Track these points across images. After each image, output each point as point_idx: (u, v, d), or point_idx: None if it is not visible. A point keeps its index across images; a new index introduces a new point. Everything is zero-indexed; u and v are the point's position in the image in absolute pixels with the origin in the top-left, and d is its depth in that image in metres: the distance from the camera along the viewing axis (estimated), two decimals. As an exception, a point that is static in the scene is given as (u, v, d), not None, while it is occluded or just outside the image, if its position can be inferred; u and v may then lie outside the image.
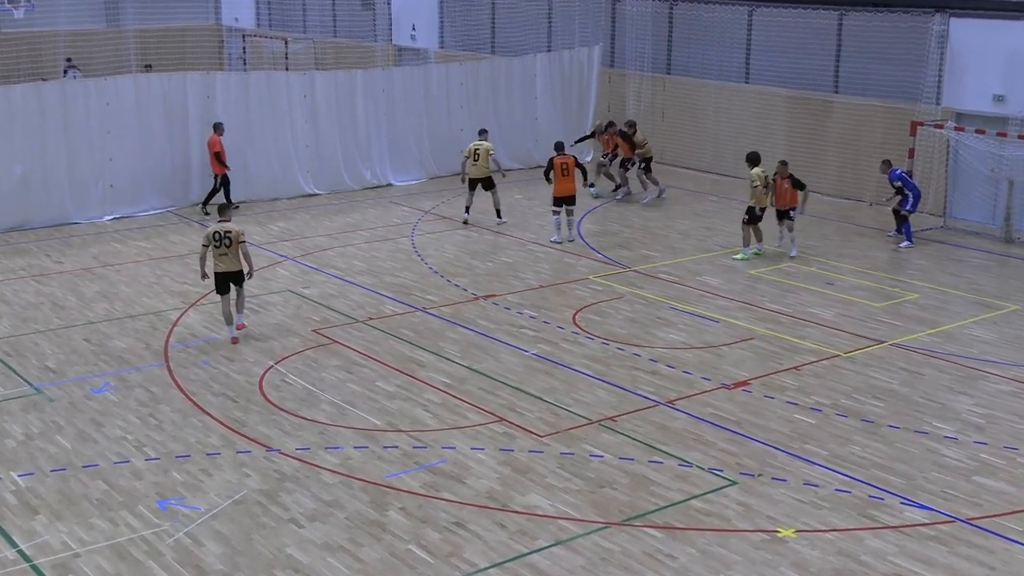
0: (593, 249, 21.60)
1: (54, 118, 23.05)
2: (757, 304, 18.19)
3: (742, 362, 15.64)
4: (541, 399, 14.30)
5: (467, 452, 12.75)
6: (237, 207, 24.91)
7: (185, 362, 15.58)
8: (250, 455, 12.68)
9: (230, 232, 16.36)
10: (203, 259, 16.30)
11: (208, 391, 14.54)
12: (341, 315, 17.61)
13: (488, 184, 23.69)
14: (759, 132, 27.33)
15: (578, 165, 22.00)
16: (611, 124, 26.32)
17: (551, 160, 22.06)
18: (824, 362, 15.65)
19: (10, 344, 16.28)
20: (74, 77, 32.15)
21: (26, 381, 14.87)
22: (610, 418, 13.71)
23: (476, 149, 23.80)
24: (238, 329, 16.53)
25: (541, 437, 13.16)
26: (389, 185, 27.42)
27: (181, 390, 14.58)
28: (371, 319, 17.43)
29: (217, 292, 16.40)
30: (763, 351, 16.08)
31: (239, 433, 13.26)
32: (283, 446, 12.91)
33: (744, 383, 14.84)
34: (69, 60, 34.39)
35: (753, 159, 20.88)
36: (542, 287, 19.17)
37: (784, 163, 21.09)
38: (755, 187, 20.45)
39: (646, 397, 14.37)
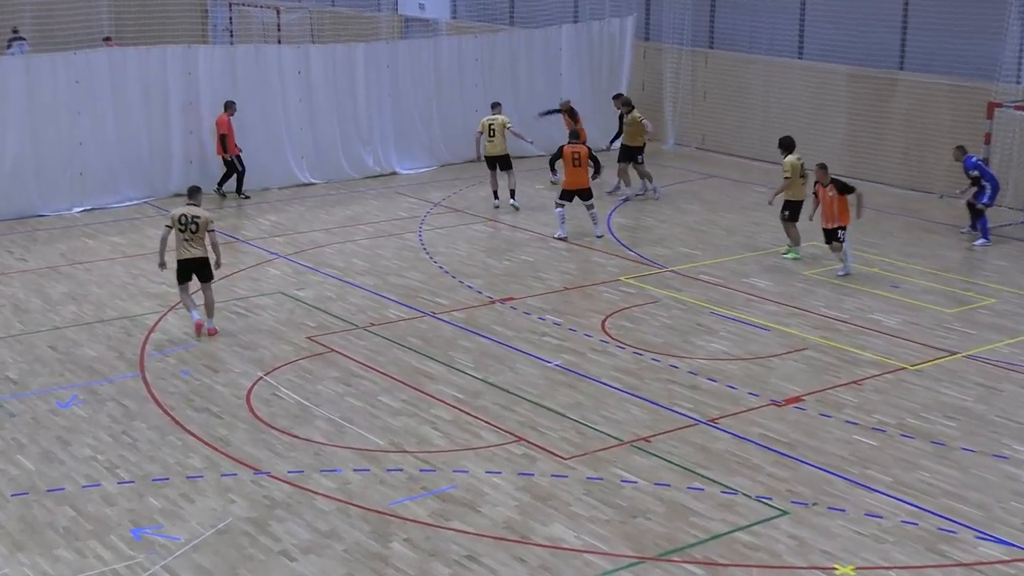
0: (625, 246, 21.57)
1: (15, 97, 23.15)
2: (812, 310, 18.13)
3: (794, 375, 15.58)
4: (565, 416, 14.28)
5: (481, 476, 12.74)
6: (247, 197, 25.05)
7: (163, 373, 15.62)
8: (236, 479, 12.70)
9: (198, 217, 16.74)
10: (163, 243, 16.86)
11: (189, 406, 14.57)
12: (339, 320, 17.63)
13: (505, 163, 24.09)
14: (814, 114, 27.26)
15: (592, 156, 21.93)
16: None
17: (560, 149, 22.05)
18: (888, 376, 15.59)
19: (-34, 352, 16.37)
20: (21, 51, 32.22)
21: (-16, 394, 14.95)
22: (644, 438, 13.68)
23: (491, 124, 24.04)
24: (210, 334, 16.80)
25: (565, 460, 13.14)
26: (394, 173, 27.45)
27: (158, 404, 14.61)
28: (373, 325, 17.44)
29: (178, 280, 16.85)
30: (818, 363, 16.02)
31: (224, 453, 13.28)
32: (273, 468, 12.92)
33: (796, 399, 14.79)
34: (15, 31, 34.35)
35: (787, 145, 20.80)
36: (567, 289, 19.15)
37: (824, 167, 19.72)
38: (787, 178, 20.38)
39: (685, 415, 14.34)
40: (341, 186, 26.38)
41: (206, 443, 13.53)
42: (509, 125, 24.22)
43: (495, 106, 25.03)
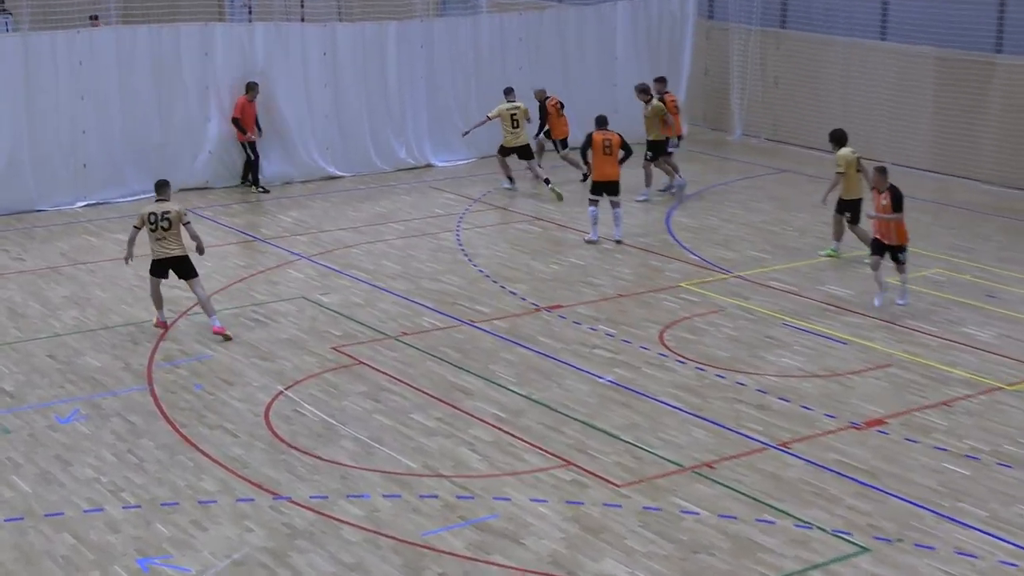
0: (685, 248, 21.50)
1: (11, 80, 23.36)
2: (896, 321, 18.01)
3: (876, 395, 15.48)
4: (619, 438, 14.23)
5: (525, 504, 12.71)
6: (266, 191, 25.20)
7: (173, 386, 15.68)
8: (253, 504, 12.73)
9: (169, 213, 17.07)
10: (131, 242, 17.28)
11: (202, 423, 14.62)
12: (368, 329, 17.66)
13: (526, 152, 24.85)
14: (898, 102, 27.10)
15: (623, 145, 21.87)
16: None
17: (590, 137, 21.89)
18: (982, 396, 15.46)
19: (-43, 361, 16.52)
20: (5, 29, 32.47)
21: (-24, 407, 15.07)
22: (707, 464, 13.61)
23: (513, 113, 24.61)
24: (217, 332, 17.12)
25: (619, 487, 13.09)
26: (429, 166, 27.51)
27: (168, 421, 14.66)
28: (405, 335, 17.46)
29: (154, 275, 17.28)
30: (903, 381, 15.91)
31: (240, 476, 13.31)
32: (294, 493, 12.94)
33: (879, 422, 14.69)
34: (1, 3, 34.63)
35: (838, 138, 20.63)
36: (621, 296, 19.10)
37: (883, 172, 18.46)
38: (840, 173, 20.22)
39: (753, 438, 14.26)
40: (370, 180, 26.45)
41: (220, 464, 13.56)
42: (527, 115, 25.10)
43: (510, 92, 25.47)
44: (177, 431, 14.36)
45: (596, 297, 19.06)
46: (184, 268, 17.21)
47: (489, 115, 25.36)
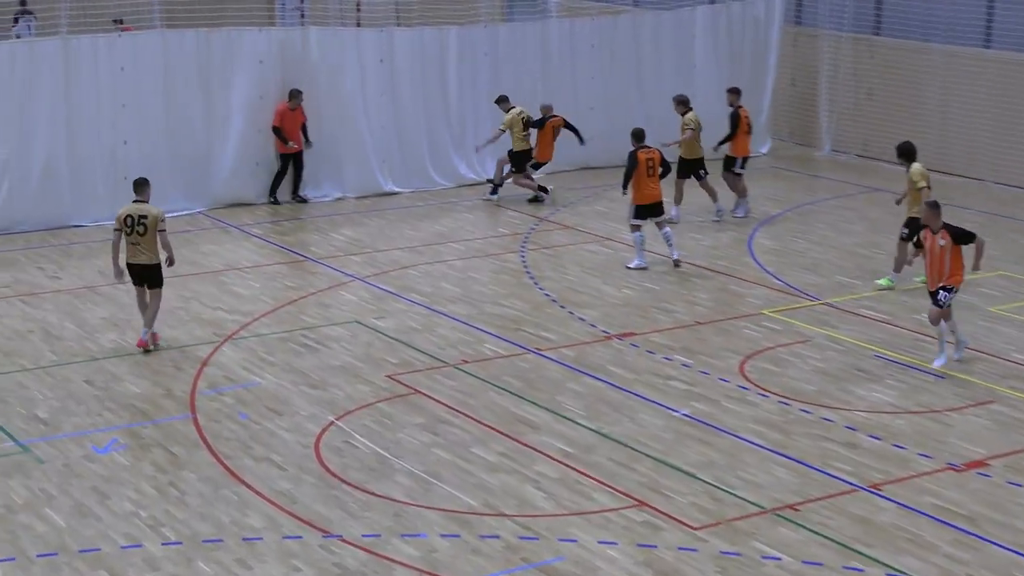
0: (769, 273, 21.46)
1: (49, 87, 23.67)
2: (999, 354, 17.88)
3: (977, 434, 15.37)
4: (695, 477, 14.22)
5: (593, 547, 12.73)
6: (305, 200, 25.47)
7: (218, 414, 15.83)
8: (301, 542, 12.82)
9: (145, 217, 17.40)
10: (115, 248, 17.70)
11: (247, 454, 14.74)
12: (425, 356, 17.75)
13: (528, 157, 25.96)
14: (1003, 115, 26.93)
15: (663, 162, 21.93)
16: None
17: (634, 155, 21.64)
18: (1093, 437, 15.34)
19: (-11, 385, 16.76)
20: (28, 30, 32.90)
21: (8, 435, 15.24)
22: (790, 506, 13.57)
23: (523, 116, 25.66)
24: (153, 342, 17.65)
25: (695, 529, 13.08)
26: (491, 182, 27.60)
27: (212, 452, 14.80)
28: (465, 362, 17.53)
29: (134, 283, 17.71)
30: (1007, 420, 15.79)
31: (287, 512, 13.41)
32: (346, 531, 13.02)
33: (980, 463, 14.58)
34: (23, 3, 34.98)
35: (908, 152, 20.43)
36: (698, 324, 19.09)
37: (935, 208, 17.28)
38: (920, 188, 20.07)
39: (841, 479, 14.20)
40: (429, 196, 26.58)
41: (267, 499, 13.66)
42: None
43: (507, 99, 26.07)
44: (221, 463, 14.49)
45: (671, 324, 19.05)
46: (151, 277, 17.61)
47: (501, 127, 25.70)
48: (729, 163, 24.72)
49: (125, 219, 17.44)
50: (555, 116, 26.15)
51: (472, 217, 25.09)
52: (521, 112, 25.74)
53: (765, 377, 17.05)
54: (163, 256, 17.59)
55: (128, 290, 20.33)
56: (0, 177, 23.42)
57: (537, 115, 25.96)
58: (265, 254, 22.32)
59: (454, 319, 19.21)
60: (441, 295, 20.32)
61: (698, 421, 15.68)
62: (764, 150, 30.52)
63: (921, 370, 17.19)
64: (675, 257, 21.64)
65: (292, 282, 20.96)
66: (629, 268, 21.52)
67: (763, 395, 16.46)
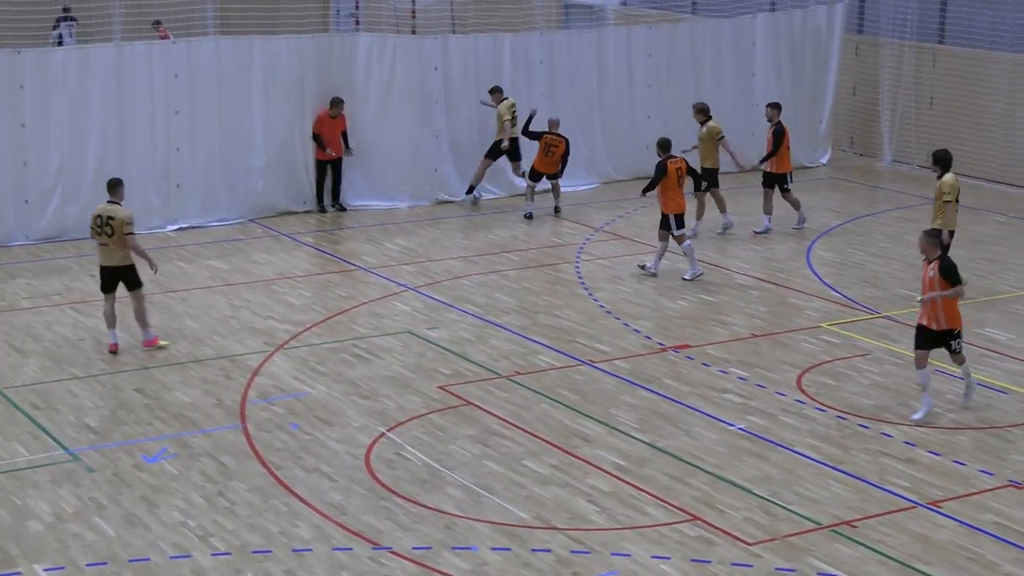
0: (827, 285, 21.38)
1: (101, 93, 23.86)
2: (1062, 369, 17.78)
3: (1039, 451, 15.29)
4: (750, 492, 14.19)
5: (646, 562, 12.72)
6: (344, 209, 25.62)
7: (268, 424, 15.92)
8: (351, 554, 12.87)
9: (113, 218, 17.54)
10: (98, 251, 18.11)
11: (298, 465, 14.82)
12: (478, 367, 17.79)
13: (497, 152, 26.30)
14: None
15: (691, 171, 21.90)
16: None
17: (664, 165, 21.53)
18: None
19: (38, 393, 16.88)
20: (69, 36, 33.11)
21: (59, 443, 15.38)
22: (848, 523, 13.52)
23: (512, 107, 25.66)
24: (150, 345, 17.98)
25: (750, 545, 13.05)
26: (545, 191, 27.61)
27: (262, 462, 14.89)
28: (518, 374, 17.56)
29: (101, 290, 17.89)
30: (1070, 436, 15.70)
31: (337, 523, 13.47)
32: (396, 543, 13.06)
33: (1042, 481, 14.51)
34: (66, 10, 35.24)
35: (944, 161, 20.18)
36: (755, 336, 19.05)
37: (933, 237, 16.19)
38: (947, 202, 19.90)
39: (900, 495, 14.13)
40: (483, 206, 26.62)
41: (316, 510, 13.73)
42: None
43: (499, 90, 26.21)
44: (271, 473, 14.58)
45: (728, 337, 19.02)
46: (127, 278, 17.80)
47: (504, 117, 25.88)
48: (777, 180, 24.34)
49: (95, 219, 17.63)
50: (553, 135, 25.50)
51: (526, 227, 25.11)
52: (512, 105, 25.85)
53: (823, 391, 16.99)
54: (137, 261, 17.82)
55: (180, 298, 20.57)
56: (53, 183, 23.62)
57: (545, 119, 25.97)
58: (317, 263, 22.44)
59: (508, 330, 19.24)
60: (495, 306, 20.36)
61: (754, 435, 15.64)
62: (823, 160, 30.43)
63: (983, 385, 17.08)
64: (698, 274, 21.52)
65: (344, 291, 21.05)
66: (685, 279, 21.45)
67: (820, 409, 16.41)
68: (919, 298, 16.12)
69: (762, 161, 24.65)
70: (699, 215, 24.14)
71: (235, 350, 18.37)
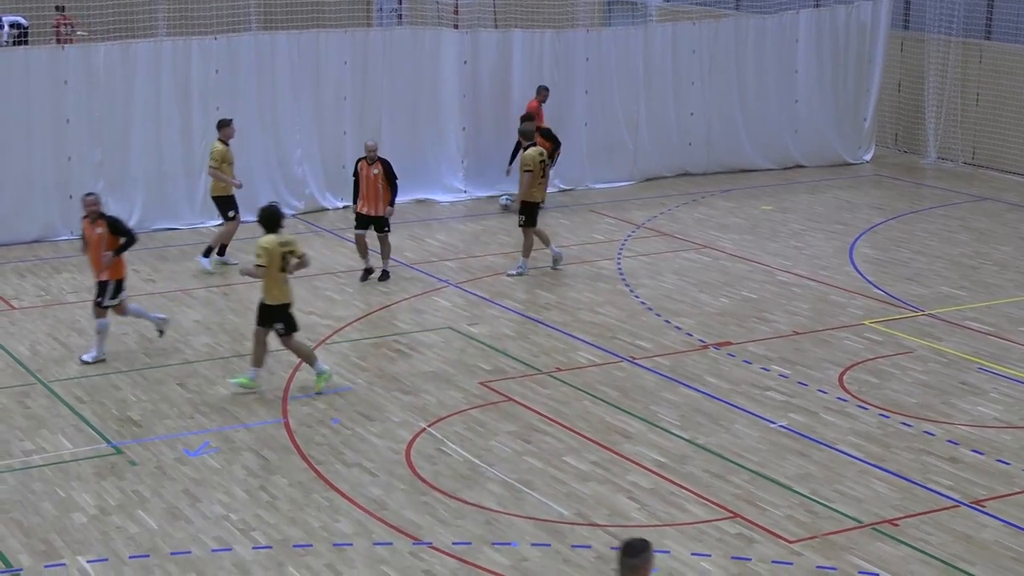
0: (870, 283, 21.35)
1: (143, 88, 24.02)
2: (1108, 368, 17.72)
3: (1083, 450, 15.25)
4: (791, 490, 14.20)
5: (686, 559, 12.75)
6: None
7: (309, 419, 16.03)
8: (391, 549, 12.95)
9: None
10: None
11: (339, 460, 14.92)
12: (519, 363, 17.85)
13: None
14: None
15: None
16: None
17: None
18: None
19: (83, 387, 17.04)
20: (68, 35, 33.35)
21: (102, 437, 15.54)
22: (890, 521, 13.52)
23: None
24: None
25: (790, 543, 13.07)
26: (587, 188, 27.65)
27: (303, 457, 14.99)
28: (559, 370, 17.61)
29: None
30: (1115, 436, 15.64)
31: (378, 518, 13.55)
32: (436, 538, 13.14)
33: (1086, 480, 14.47)
34: (60, 9, 35.46)
35: None
36: (797, 334, 19.05)
37: None
38: None
39: (942, 494, 14.12)
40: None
41: (357, 505, 13.82)
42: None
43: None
44: (312, 468, 14.68)
45: (770, 334, 19.02)
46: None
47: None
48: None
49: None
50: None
51: (567, 223, 25.13)
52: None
53: (865, 389, 16.98)
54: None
55: (224, 293, 20.71)
56: (94, 180, 23.77)
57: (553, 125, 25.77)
58: (358, 259, 22.50)
59: (548, 326, 19.29)
60: (535, 302, 20.42)
61: (795, 433, 15.65)
62: (867, 157, 30.36)
63: (1016, 380, 17.06)
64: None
65: (385, 287, 21.13)
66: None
67: (863, 407, 16.40)
68: None
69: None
70: (526, 254, 22.12)
71: (275, 345, 18.44)
